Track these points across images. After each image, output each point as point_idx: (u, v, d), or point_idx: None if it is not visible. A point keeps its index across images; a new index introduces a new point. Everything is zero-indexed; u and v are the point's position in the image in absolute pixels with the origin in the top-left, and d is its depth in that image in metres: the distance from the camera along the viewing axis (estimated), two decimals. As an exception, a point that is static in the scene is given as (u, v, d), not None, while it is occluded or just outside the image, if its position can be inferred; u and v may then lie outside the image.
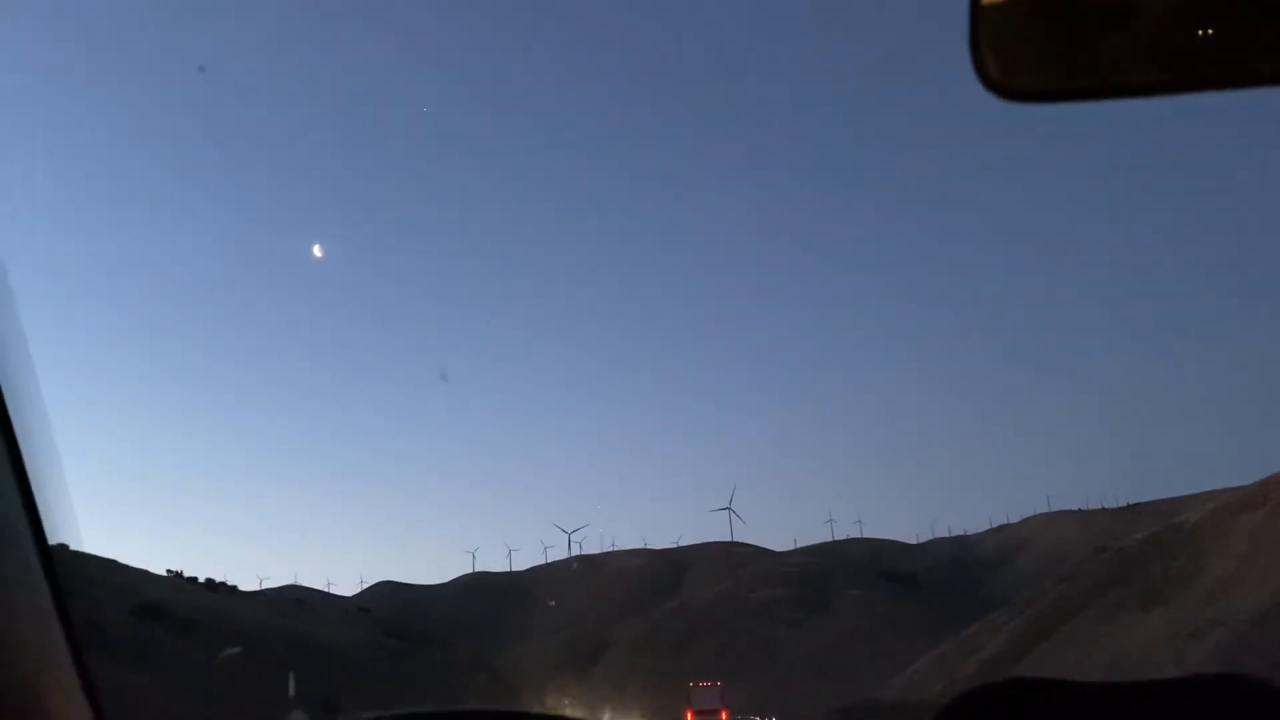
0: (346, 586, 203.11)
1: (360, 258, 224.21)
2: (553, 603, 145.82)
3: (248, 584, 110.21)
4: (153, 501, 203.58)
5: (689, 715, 48.75)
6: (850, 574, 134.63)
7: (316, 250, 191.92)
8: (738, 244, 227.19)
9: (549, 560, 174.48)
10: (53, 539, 1.58)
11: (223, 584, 69.37)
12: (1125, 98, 1.27)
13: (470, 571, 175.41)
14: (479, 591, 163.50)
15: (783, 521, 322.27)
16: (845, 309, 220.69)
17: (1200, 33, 1.15)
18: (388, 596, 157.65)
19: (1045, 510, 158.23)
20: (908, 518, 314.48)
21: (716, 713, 48.83)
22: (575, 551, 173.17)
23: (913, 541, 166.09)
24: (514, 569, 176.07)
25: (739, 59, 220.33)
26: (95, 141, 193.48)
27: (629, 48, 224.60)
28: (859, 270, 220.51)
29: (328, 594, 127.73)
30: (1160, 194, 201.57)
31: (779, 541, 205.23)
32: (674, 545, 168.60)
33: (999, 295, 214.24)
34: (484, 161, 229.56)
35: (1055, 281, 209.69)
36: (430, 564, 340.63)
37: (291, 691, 39.62)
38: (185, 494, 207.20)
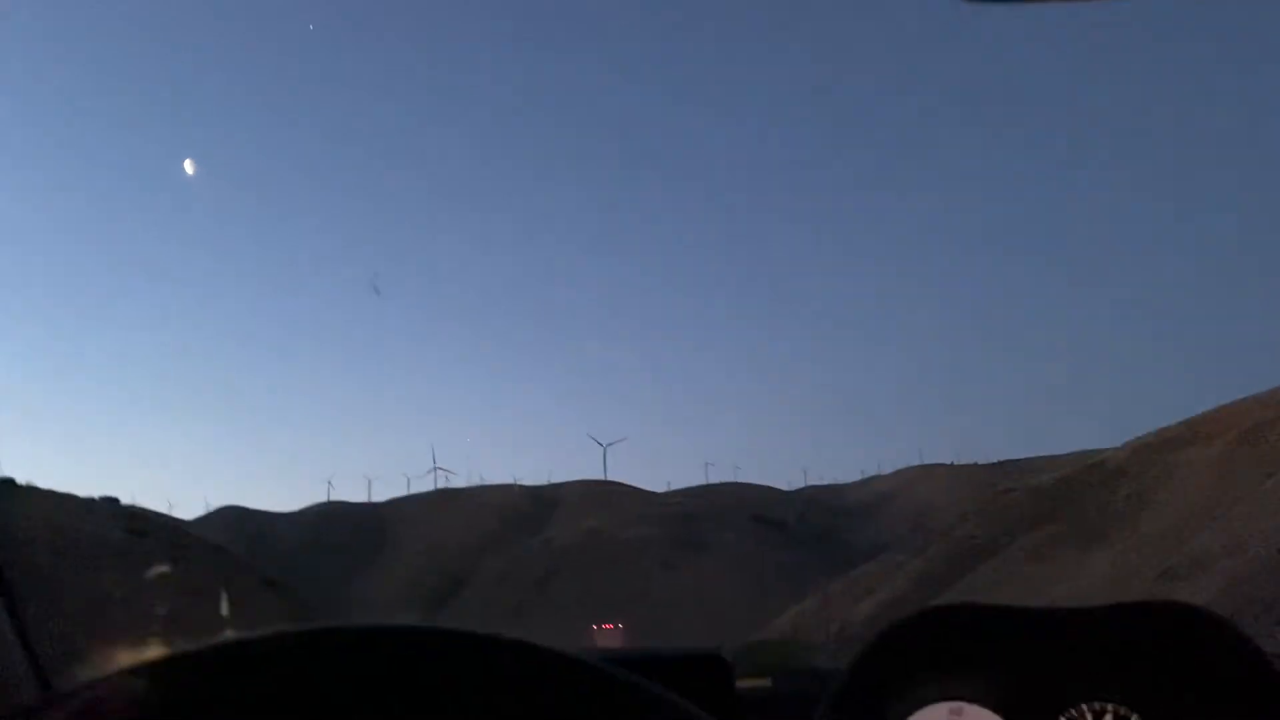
0: (191, 510, 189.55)
1: (227, 171, 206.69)
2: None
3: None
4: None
5: None
6: (724, 517, 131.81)
7: (188, 166, 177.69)
8: (613, 172, 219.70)
9: (411, 492, 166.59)
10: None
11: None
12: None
13: (325, 500, 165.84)
14: (332, 521, 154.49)
15: (659, 463, 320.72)
16: (725, 255, 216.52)
17: None
18: (230, 522, 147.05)
19: (917, 463, 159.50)
20: (783, 465, 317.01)
21: None
22: (440, 484, 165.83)
23: (786, 488, 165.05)
24: (373, 500, 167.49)
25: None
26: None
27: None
28: (737, 213, 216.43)
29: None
30: (1041, 139, 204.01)
31: (654, 483, 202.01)
32: (544, 482, 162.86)
33: (871, 251, 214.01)
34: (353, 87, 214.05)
35: (930, 241, 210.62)
36: (288, 493, 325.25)
37: (224, 611, 36.87)
38: (36, 400, 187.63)
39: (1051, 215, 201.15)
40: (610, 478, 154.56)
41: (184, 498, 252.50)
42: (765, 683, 2.27)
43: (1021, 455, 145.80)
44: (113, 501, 46.50)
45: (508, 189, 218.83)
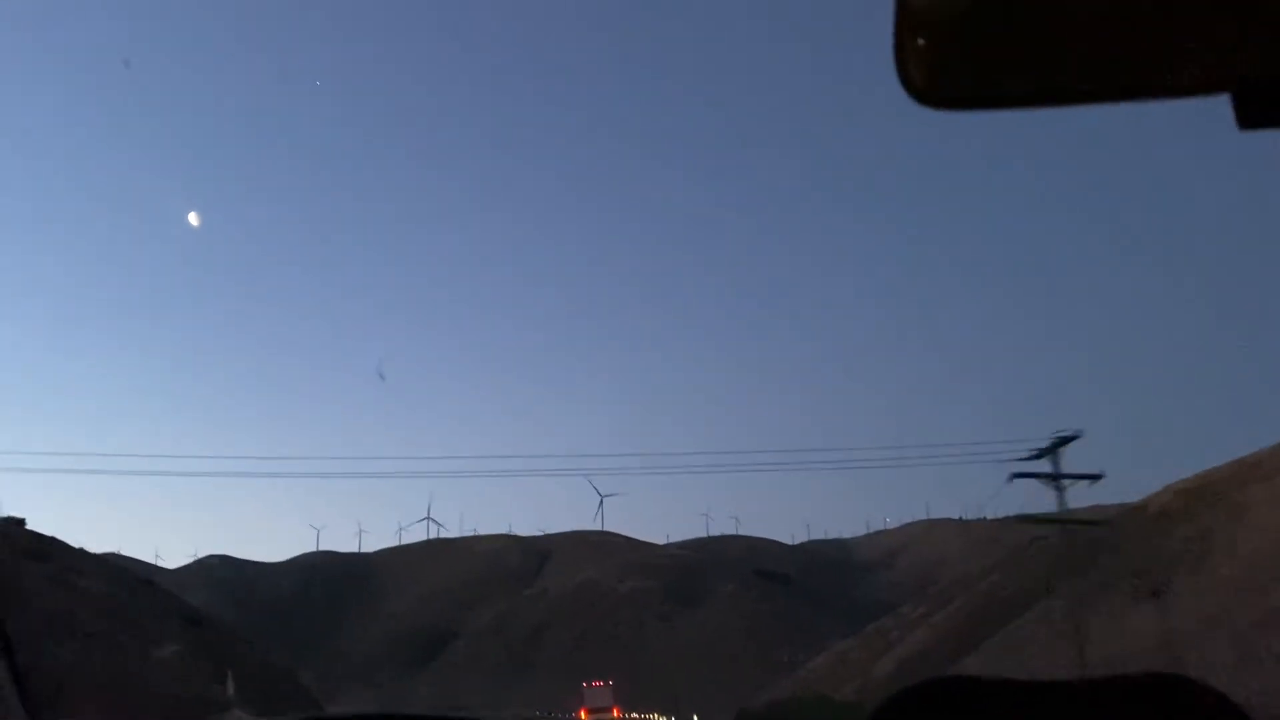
0: (176, 559, 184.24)
1: (236, 228, 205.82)
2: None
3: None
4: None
5: (583, 714, 49.76)
6: (725, 570, 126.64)
7: (193, 219, 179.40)
8: (607, 223, 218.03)
9: (402, 542, 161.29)
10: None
11: None
12: (1053, 105, 1.23)
13: (314, 550, 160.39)
14: (321, 572, 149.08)
15: (657, 515, 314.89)
16: (724, 306, 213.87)
17: (1135, 39, 1.15)
18: (215, 571, 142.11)
19: (924, 518, 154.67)
20: (785, 520, 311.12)
21: (609, 710, 49.69)
22: (433, 534, 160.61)
23: (789, 542, 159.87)
24: (363, 550, 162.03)
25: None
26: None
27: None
28: (734, 265, 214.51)
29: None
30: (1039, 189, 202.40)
31: (651, 534, 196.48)
32: (539, 533, 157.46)
33: (881, 306, 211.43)
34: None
35: (934, 298, 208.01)
36: (276, 543, 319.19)
37: (230, 691, 37.83)
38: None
39: (1051, 284, 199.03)
40: (606, 528, 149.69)
41: (171, 548, 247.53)
42: None
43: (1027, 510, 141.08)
44: (17, 523, 42.42)
45: (502, 233, 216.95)
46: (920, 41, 1.20)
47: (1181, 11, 1.13)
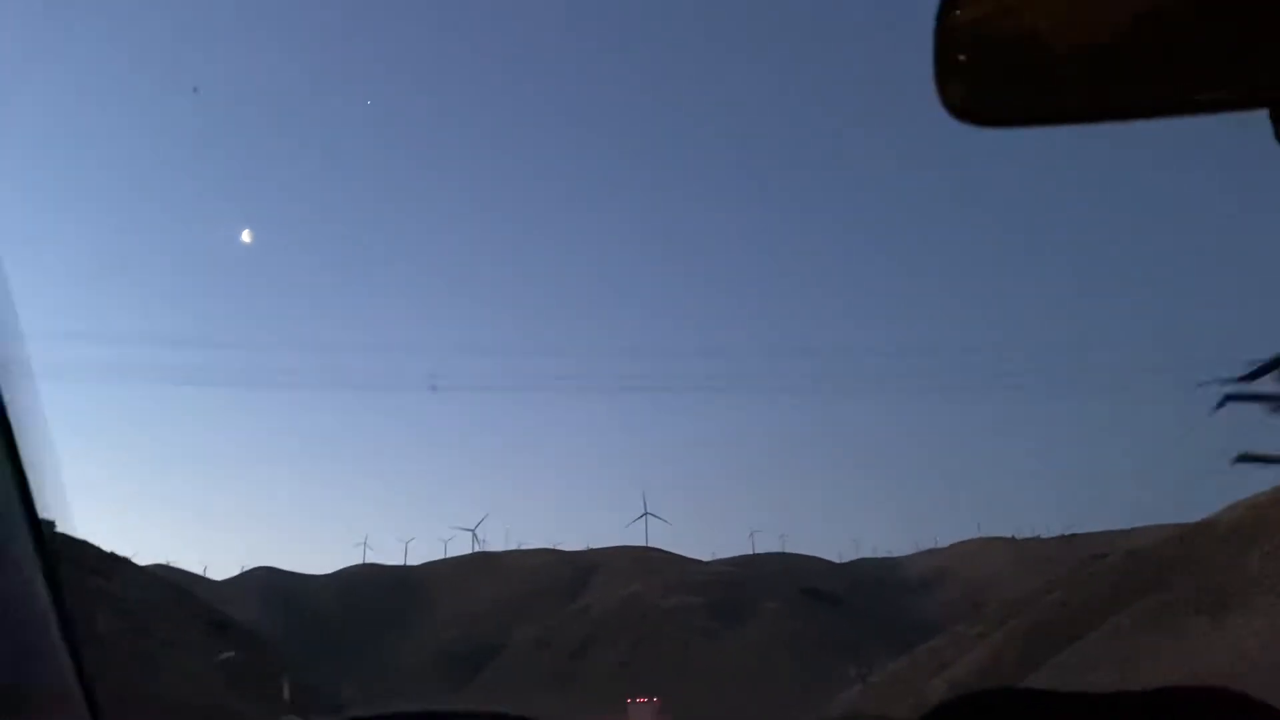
0: (224, 571, 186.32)
1: (276, 239, 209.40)
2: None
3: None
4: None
5: None
6: (770, 587, 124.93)
7: (246, 236, 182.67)
8: (661, 238, 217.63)
9: (448, 555, 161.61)
10: (44, 515, 1.38)
11: None
12: (1092, 122, 1.28)
13: (360, 563, 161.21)
14: (366, 584, 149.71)
15: (702, 532, 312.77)
16: (775, 321, 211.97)
17: (1176, 55, 1.19)
18: (262, 583, 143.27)
19: (975, 536, 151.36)
20: (833, 538, 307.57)
21: None
22: (477, 548, 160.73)
23: (837, 560, 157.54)
24: (408, 563, 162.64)
25: None
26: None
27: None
28: (789, 280, 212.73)
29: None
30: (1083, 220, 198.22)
31: (697, 551, 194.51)
32: (584, 548, 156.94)
33: (932, 321, 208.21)
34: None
35: (988, 312, 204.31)
36: (322, 555, 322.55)
37: (286, 695, 38.93)
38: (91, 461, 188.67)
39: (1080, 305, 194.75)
40: (650, 544, 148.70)
41: (222, 562, 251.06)
42: None
43: (1081, 530, 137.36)
44: (46, 525, 42.61)
45: (534, 252, 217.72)
46: (961, 58, 1.23)
47: (1221, 28, 1.15)
